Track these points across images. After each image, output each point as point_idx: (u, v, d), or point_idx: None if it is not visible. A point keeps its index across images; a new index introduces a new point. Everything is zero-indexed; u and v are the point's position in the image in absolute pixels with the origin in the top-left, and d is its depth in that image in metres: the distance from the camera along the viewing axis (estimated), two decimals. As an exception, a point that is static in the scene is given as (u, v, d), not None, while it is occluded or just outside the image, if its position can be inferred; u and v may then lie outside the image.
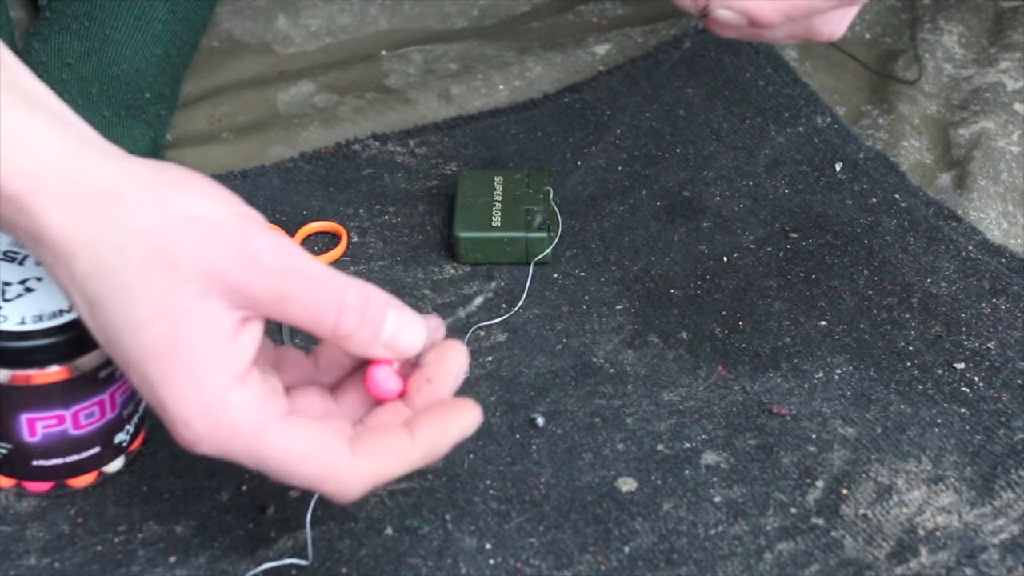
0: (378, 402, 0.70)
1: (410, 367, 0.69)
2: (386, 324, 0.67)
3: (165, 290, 0.64)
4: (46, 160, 0.65)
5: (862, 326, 0.87)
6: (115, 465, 0.79)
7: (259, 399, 0.65)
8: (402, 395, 0.70)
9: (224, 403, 0.65)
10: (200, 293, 0.64)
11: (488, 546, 0.76)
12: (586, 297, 0.90)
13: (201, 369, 0.64)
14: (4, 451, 0.77)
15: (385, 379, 0.69)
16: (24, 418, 0.76)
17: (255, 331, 0.66)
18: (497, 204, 0.93)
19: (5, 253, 0.76)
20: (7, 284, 0.75)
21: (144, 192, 0.65)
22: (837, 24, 0.77)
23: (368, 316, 0.66)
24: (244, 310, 0.65)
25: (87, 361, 0.75)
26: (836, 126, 1.01)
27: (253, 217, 0.66)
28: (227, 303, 0.65)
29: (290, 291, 0.65)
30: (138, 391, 0.67)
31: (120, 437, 0.78)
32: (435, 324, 0.70)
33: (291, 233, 0.94)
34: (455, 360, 0.70)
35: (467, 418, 0.69)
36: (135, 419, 0.79)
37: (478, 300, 0.74)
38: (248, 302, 0.65)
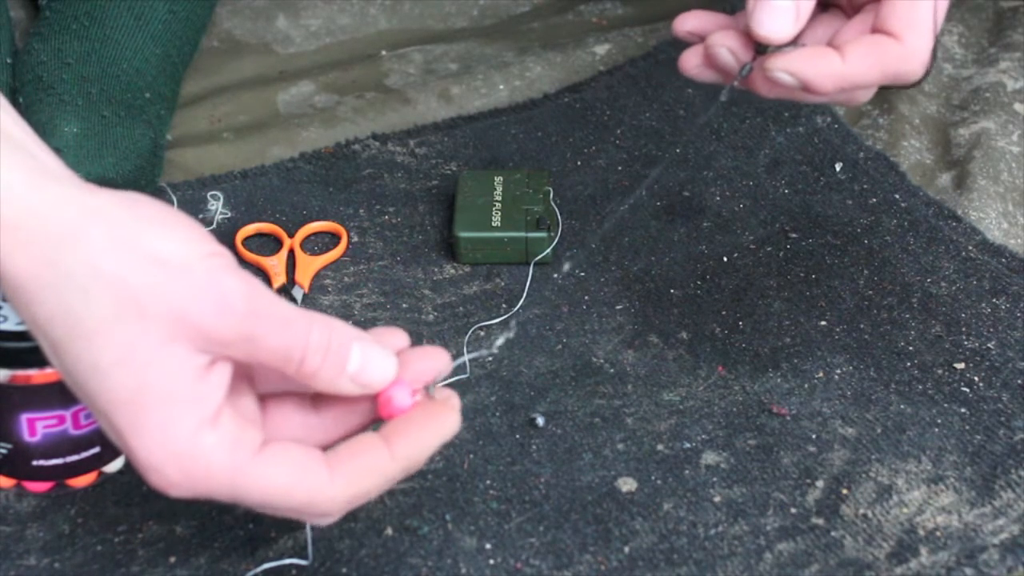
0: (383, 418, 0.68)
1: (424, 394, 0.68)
2: (351, 359, 0.65)
3: (132, 336, 0.62)
4: (8, 196, 0.62)
5: (862, 326, 0.87)
6: (115, 465, 0.79)
7: (231, 439, 0.64)
8: None
9: (195, 448, 0.63)
10: (167, 338, 0.62)
11: (488, 546, 0.76)
12: (586, 297, 0.90)
13: (169, 415, 0.63)
14: (4, 451, 0.77)
15: (403, 401, 0.67)
16: (24, 418, 0.76)
17: (224, 371, 0.64)
18: (497, 204, 0.93)
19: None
20: (7, 284, 0.75)
21: (111, 232, 0.63)
22: (869, 93, 0.77)
23: (332, 352, 0.65)
24: (212, 353, 0.64)
25: (87, 361, 0.75)
26: (836, 126, 1.01)
27: (224, 258, 0.64)
28: (194, 347, 0.63)
29: (260, 335, 0.63)
30: (106, 435, 0.65)
31: (120, 437, 0.78)
32: (443, 359, 0.69)
33: (291, 233, 0.94)
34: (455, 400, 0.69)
35: (446, 425, 0.67)
36: (135, 419, 0.79)
37: (499, 341, 0.73)
38: (217, 347, 0.63)
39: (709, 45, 0.76)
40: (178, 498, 0.64)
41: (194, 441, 0.63)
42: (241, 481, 0.64)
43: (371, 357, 0.66)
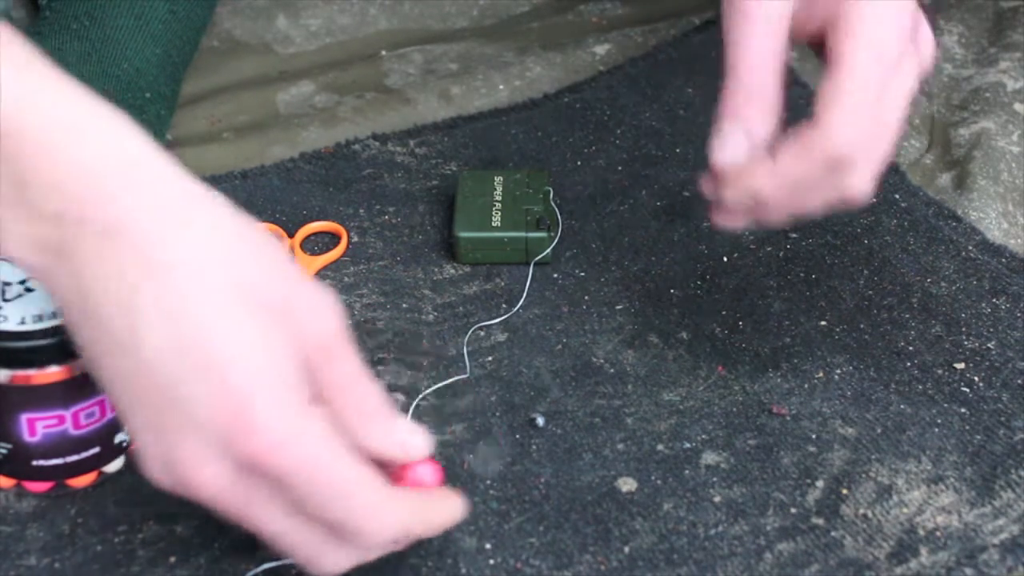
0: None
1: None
2: (400, 424, 0.69)
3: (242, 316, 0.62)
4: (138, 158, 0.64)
5: (862, 326, 0.87)
6: (115, 465, 0.79)
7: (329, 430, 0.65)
8: None
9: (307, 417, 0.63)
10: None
11: (488, 546, 0.76)
12: (586, 297, 0.90)
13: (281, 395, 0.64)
14: (4, 451, 0.77)
15: (430, 476, 0.70)
16: (24, 418, 0.76)
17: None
18: (497, 204, 0.93)
19: (5, 253, 0.76)
20: (7, 284, 0.75)
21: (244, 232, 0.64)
22: (861, 182, 0.73)
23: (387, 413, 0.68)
24: (302, 352, 0.64)
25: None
26: (836, 126, 1.01)
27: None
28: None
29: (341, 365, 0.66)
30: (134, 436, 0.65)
31: (120, 437, 0.78)
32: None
33: (291, 233, 0.94)
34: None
35: (453, 509, 0.71)
36: (135, 419, 0.79)
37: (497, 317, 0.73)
38: (306, 348, 0.64)
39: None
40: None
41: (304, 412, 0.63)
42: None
43: (415, 429, 0.69)
